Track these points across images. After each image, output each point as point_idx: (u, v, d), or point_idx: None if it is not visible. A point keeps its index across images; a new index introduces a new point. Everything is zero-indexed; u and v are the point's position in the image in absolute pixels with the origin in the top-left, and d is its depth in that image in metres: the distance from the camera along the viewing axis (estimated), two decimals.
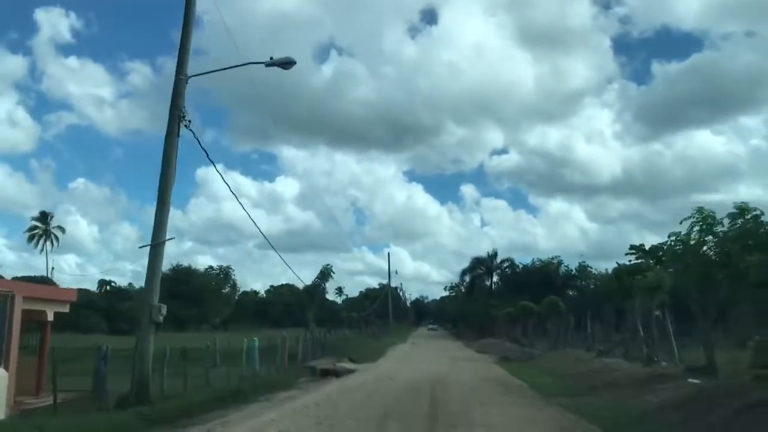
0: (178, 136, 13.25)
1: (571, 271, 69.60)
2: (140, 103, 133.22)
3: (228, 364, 18.87)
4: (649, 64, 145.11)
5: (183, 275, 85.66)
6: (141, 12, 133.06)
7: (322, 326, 40.22)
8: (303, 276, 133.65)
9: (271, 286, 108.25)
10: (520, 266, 73.49)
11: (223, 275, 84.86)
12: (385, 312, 73.62)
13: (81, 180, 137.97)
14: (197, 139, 13.98)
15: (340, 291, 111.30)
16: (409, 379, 19.68)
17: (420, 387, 17.05)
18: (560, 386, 17.10)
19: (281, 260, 32.88)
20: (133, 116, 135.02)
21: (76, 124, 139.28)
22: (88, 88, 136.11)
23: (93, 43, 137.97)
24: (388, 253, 76.16)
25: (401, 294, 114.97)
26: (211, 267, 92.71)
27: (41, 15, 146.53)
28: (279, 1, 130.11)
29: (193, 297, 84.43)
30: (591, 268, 67.66)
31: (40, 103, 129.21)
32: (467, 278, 78.37)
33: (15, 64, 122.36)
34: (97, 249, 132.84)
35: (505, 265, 73.85)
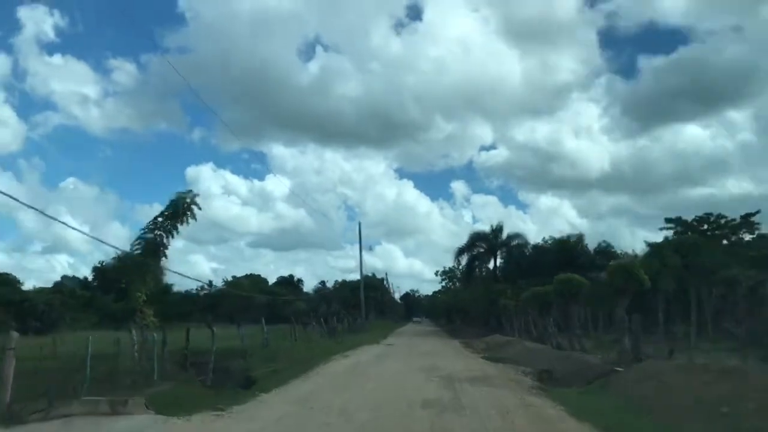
0: None
1: (590, 252, 55.10)
2: (126, 102, 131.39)
3: None
4: (635, 58, 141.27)
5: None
6: (124, 10, 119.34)
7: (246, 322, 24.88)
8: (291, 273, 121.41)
9: (234, 277, 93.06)
10: (531, 245, 57.76)
11: None
12: (361, 303, 57.84)
13: (71, 179, 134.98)
14: None
15: (323, 285, 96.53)
16: None
17: None
18: None
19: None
20: (120, 115, 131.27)
21: (63, 124, 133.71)
22: (73, 86, 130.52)
23: (77, 42, 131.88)
24: (359, 223, 59.88)
25: (388, 286, 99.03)
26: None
27: (24, 13, 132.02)
28: None
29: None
30: (613, 248, 53.24)
31: (24, 101, 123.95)
32: (464, 259, 60.89)
33: None
34: (89, 249, 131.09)
35: (514, 242, 56.93)
